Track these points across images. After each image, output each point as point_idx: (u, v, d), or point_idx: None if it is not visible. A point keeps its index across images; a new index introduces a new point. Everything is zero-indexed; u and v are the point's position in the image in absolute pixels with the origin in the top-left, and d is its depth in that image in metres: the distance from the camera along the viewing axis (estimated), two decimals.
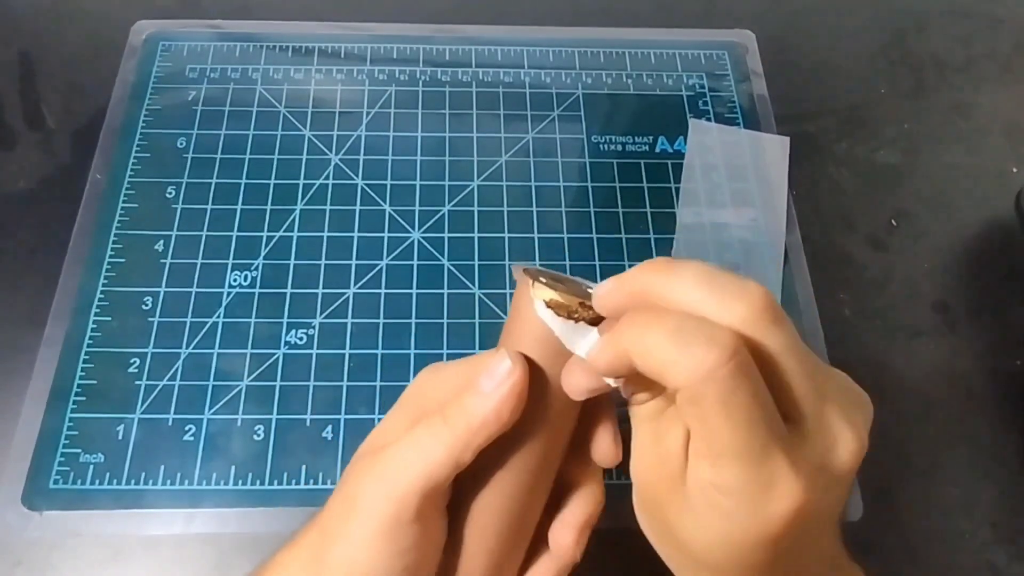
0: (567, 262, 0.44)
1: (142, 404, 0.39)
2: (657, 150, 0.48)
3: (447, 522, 0.26)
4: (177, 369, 0.40)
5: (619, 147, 0.48)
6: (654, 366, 0.22)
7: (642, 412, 0.26)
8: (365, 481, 0.25)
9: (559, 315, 0.26)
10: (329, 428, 0.39)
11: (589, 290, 0.27)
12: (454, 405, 0.25)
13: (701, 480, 0.23)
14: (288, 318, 0.41)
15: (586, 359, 0.25)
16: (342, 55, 0.51)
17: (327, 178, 0.46)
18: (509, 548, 0.28)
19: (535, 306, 0.26)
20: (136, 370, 0.40)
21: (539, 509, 0.28)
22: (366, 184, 0.46)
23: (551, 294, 0.26)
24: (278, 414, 0.39)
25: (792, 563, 0.24)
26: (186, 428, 0.39)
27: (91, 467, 0.37)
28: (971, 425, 0.42)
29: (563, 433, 0.28)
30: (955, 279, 0.46)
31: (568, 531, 0.28)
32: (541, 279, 0.27)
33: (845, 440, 0.23)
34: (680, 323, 0.22)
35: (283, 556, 0.27)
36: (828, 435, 0.23)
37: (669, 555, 0.26)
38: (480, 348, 0.41)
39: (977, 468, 0.40)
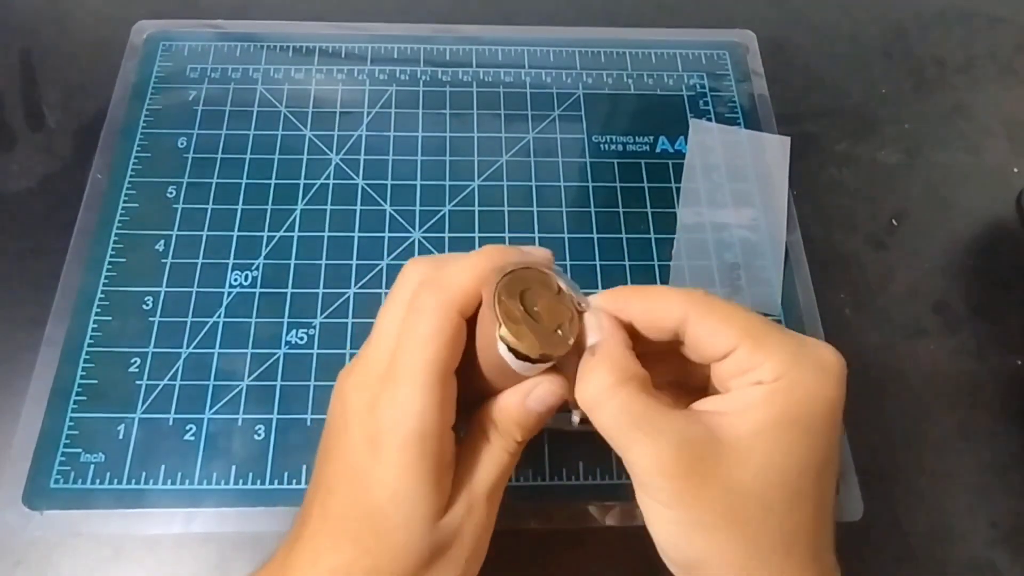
0: (568, 262, 0.44)
1: (143, 404, 0.39)
2: (658, 150, 0.48)
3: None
4: (178, 369, 0.40)
5: (620, 147, 0.48)
6: (654, 308, 0.27)
7: (616, 408, 0.26)
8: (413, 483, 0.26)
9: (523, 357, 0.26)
10: None
11: (581, 306, 0.27)
12: (515, 426, 0.28)
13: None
14: (289, 318, 0.41)
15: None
16: (343, 55, 0.51)
17: (328, 178, 0.46)
18: None
19: (498, 347, 0.26)
20: (137, 370, 0.40)
21: None
22: (367, 184, 0.46)
23: (516, 342, 0.26)
24: (279, 414, 0.39)
25: (831, 434, 0.26)
26: (187, 428, 0.39)
27: (92, 467, 0.37)
28: (972, 425, 0.42)
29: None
30: (956, 279, 0.46)
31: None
32: (512, 311, 0.26)
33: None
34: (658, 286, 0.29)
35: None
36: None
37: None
38: None
39: (978, 468, 0.40)
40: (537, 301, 0.27)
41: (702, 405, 0.27)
